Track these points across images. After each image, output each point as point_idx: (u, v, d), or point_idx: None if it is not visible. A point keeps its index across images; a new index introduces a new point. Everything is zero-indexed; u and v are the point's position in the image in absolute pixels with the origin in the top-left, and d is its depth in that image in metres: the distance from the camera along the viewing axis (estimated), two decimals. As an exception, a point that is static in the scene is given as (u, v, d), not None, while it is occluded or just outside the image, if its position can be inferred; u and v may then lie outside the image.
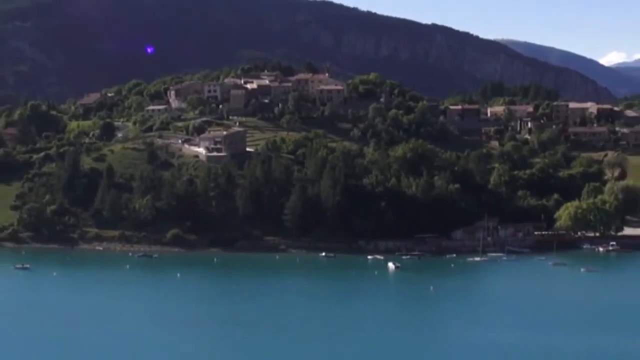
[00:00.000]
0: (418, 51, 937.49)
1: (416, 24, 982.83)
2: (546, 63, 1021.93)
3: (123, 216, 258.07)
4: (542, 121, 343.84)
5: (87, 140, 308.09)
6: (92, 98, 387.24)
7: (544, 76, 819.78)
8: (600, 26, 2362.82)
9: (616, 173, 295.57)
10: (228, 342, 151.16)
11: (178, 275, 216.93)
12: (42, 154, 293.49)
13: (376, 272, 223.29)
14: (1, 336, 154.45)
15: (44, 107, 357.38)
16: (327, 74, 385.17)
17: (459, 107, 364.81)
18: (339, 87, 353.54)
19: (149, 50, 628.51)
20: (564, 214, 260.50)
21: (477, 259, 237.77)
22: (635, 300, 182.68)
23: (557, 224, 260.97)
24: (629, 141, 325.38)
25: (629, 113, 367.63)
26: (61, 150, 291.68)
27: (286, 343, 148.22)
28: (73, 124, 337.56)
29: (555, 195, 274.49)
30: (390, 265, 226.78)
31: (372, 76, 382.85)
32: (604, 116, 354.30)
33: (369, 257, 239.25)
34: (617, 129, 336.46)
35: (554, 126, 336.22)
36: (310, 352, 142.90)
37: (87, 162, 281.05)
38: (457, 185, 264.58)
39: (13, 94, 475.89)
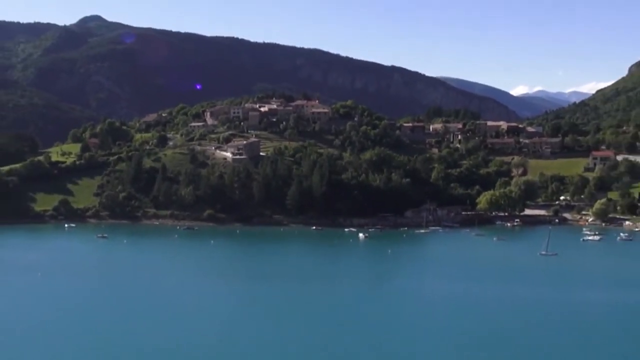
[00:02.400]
0: (381, 85, 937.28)
1: (380, 65, 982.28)
2: (472, 93, 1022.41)
3: (173, 200, 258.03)
4: (468, 134, 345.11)
5: (147, 147, 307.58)
6: (151, 117, 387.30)
7: (470, 103, 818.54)
8: (510, 66, 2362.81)
9: (520, 171, 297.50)
10: (248, 287, 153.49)
11: (211, 242, 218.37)
12: (116, 156, 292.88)
13: (351, 240, 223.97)
14: (90, 283, 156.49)
15: (117, 124, 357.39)
16: (317, 101, 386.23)
17: (410, 124, 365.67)
18: (326, 110, 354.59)
19: (197, 86, 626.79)
20: (483, 199, 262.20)
21: (422, 231, 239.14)
22: (528, 260, 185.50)
23: (478, 206, 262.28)
24: (529, 149, 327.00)
25: (529, 129, 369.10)
26: (129, 154, 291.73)
27: (289, 287, 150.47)
28: (138, 136, 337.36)
29: (477, 187, 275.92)
30: (361, 235, 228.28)
31: (349, 102, 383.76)
32: (512, 131, 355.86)
33: (346, 229, 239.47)
34: (520, 140, 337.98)
35: (476, 138, 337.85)
36: (307, 292, 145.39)
37: (147, 163, 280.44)
38: (408, 180, 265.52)
39: (95, 114, 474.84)
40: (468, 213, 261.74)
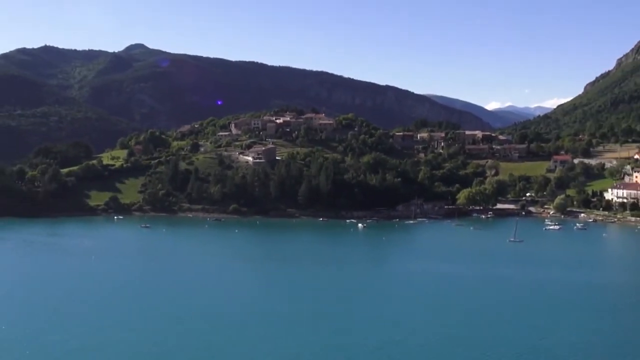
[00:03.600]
0: (377, 101, 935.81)
1: (376, 84, 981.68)
2: (453, 108, 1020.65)
3: (203, 197, 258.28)
4: (449, 142, 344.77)
5: (182, 152, 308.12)
6: (185, 128, 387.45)
7: (451, 116, 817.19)
8: (485, 85, 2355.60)
9: (492, 172, 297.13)
10: (267, 268, 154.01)
11: (236, 231, 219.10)
12: (156, 160, 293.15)
13: (351, 229, 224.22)
14: (136, 264, 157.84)
15: (157, 133, 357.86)
16: (323, 114, 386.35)
17: (401, 133, 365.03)
18: (330, 122, 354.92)
19: (218, 102, 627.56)
20: (462, 195, 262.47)
21: (411, 222, 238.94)
22: (499, 245, 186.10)
23: (458, 201, 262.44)
24: (500, 153, 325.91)
25: (501, 137, 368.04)
26: (167, 158, 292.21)
27: (301, 267, 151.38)
28: (174, 143, 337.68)
29: (457, 185, 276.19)
30: (360, 225, 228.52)
31: (350, 115, 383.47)
32: (486, 139, 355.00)
33: (347, 220, 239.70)
34: (493, 146, 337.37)
35: (456, 145, 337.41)
36: (316, 271, 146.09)
37: (182, 165, 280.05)
38: (399, 179, 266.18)
39: (139, 126, 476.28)
40: (449, 207, 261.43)
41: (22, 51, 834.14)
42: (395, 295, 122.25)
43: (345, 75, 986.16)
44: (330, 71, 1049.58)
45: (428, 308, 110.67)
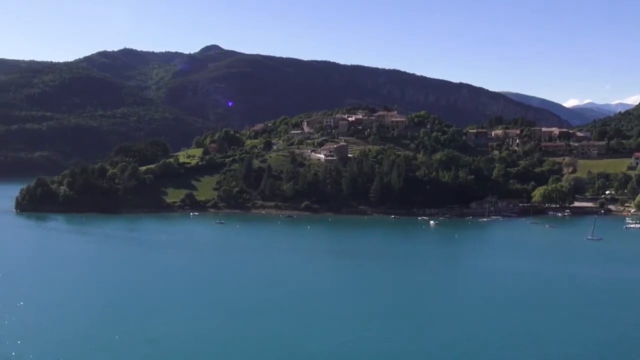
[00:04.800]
0: (450, 99, 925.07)
1: (450, 82, 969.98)
2: (529, 105, 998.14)
3: (276, 194, 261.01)
4: (525, 139, 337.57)
5: (256, 150, 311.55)
6: (258, 127, 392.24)
7: (527, 113, 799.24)
8: (563, 81, 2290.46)
9: (570, 170, 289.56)
10: (338, 264, 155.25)
11: (308, 227, 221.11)
12: (231, 158, 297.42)
13: (423, 227, 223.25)
14: (212, 257, 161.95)
15: (231, 132, 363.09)
16: (395, 112, 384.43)
17: (474, 131, 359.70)
18: (403, 119, 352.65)
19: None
20: (537, 193, 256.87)
21: (484, 219, 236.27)
22: (576, 243, 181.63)
23: (533, 199, 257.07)
24: (578, 151, 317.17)
25: (579, 134, 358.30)
26: (241, 156, 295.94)
27: (373, 265, 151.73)
28: (248, 142, 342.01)
29: (532, 182, 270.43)
30: (432, 222, 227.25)
31: (422, 113, 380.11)
32: (563, 136, 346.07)
33: (419, 218, 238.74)
34: (571, 143, 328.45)
35: (532, 142, 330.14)
36: (389, 269, 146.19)
37: (256, 163, 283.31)
38: (472, 176, 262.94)
39: (213, 125, 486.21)
40: (524, 205, 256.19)
41: (103, 54, 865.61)
42: (470, 291, 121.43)
43: (418, 73, 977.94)
44: (402, 69, 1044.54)
45: (504, 305, 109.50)
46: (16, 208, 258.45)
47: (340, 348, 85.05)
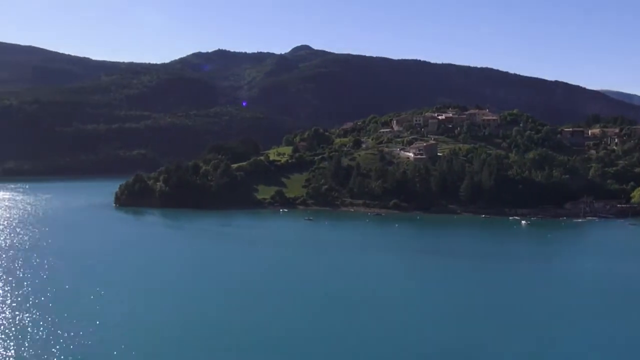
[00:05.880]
0: (544, 98, 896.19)
1: (544, 80, 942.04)
2: (631, 104, 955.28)
3: (365, 192, 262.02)
4: (624, 138, 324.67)
5: (345, 149, 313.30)
6: (348, 125, 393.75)
7: (628, 112, 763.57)
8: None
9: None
10: (429, 263, 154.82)
11: (396, 225, 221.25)
12: (320, 156, 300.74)
13: (514, 226, 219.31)
14: (300, 252, 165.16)
15: (321, 131, 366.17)
16: (487, 110, 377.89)
17: (570, 129, 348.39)
18: (494, 118, 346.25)
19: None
20: (637, 194, 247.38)
21: (580, 220, 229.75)
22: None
23: (632, 200, 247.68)
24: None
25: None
26: (330, 154, 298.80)
27: (461, 264, 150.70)
28: (337, 140, 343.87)
29: (632, 183, 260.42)
30: (523, 222, 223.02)
31: (515, 111, 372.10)
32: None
33: (510, 218, 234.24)
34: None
35: (632, 141, 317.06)
36: (475, 269, 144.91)
37: (345, 161, 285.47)
38: (567, 176, 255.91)
39: (303, 123, 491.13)
40: (623, 206, 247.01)
41: (197, 55, 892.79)
42: (566, 292, 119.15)
43: (511, 72, 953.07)
44: (495, 67, 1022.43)
45: (602, 307, 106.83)
46: (115, 203, 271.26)
47: (439, 347, 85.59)
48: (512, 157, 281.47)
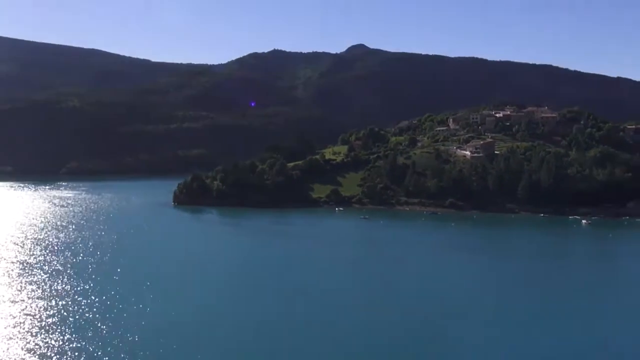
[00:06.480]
0: (608, 94, 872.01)
1: (607, 77, 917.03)
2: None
3: (421, 191, 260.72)
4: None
5: (400, 147, 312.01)
6: (403, 124, 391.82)
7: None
8: None
9: None
10: (488, 263, 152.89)
11: (452, 224, 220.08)
12: (375, 155, 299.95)
13: (574, 226, 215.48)
14: (356, 250, 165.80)
15: (376, 129, 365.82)
16: (546, 107, 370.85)
17: (633, 127, 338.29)
18: (553, 115, 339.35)
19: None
20: None
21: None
22: None
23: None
24: None
25: None
26: (386, 153, 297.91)
27: (516, 264, 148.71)
28: (392, 139, 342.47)
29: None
30: (583, 221, 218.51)
31: (575, 108, 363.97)
32: None
33: (570, 217, 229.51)
34: None
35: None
36: (542, 268, 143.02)
37: (400, 160, 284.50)
38: (629, 174, 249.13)
39: (359, 122, 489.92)
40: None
41: (254, 56, 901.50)
42: (631, 292, 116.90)
43: (572, 68, 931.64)
44: (555, 64, 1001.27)
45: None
46: (174, 201, 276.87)
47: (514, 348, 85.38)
48: (572, 155, 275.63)
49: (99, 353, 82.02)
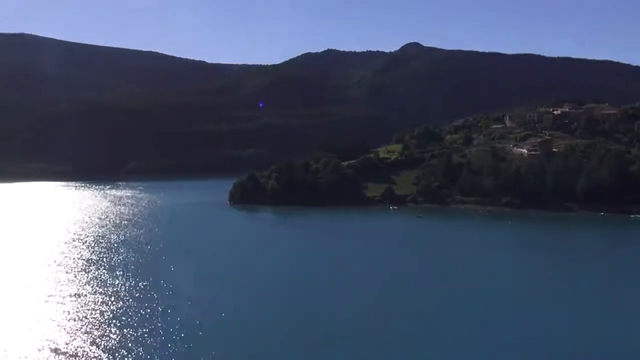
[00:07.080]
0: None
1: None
2: None
3: (476, 189, 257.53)
4: None
5: (455, 145, 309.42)
6: (458, 122, 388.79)
7: None
8: None
9: None
10: (550, 263, 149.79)
11: (509, 223, 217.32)
12: (430, 154, 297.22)
13: (638, 226, 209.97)
14: (411, 249, 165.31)
15: (430, 128, 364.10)
16: (607, 104, 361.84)
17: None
18: (614, 112, 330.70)
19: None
20: None
21: None
22: None
23: None
24: None
25: None
26: (440, 151, 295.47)
27: (586, 264, 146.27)
28: (447, 137, 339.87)
29: None
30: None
31: (637, 105, 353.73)
32: None
33: (632, 216, 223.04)
34: None
35: None
36: (600, 270, 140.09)
37: (455, 158, 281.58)
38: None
39: (413, 121, 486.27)
40: None
41: (307, 56, 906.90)
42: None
43: (633, 64, 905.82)
44: (615, 59, 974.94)
45: None
46: (230, 200, 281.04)
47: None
48: (635, 152, 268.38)
49: (158, 347, 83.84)
